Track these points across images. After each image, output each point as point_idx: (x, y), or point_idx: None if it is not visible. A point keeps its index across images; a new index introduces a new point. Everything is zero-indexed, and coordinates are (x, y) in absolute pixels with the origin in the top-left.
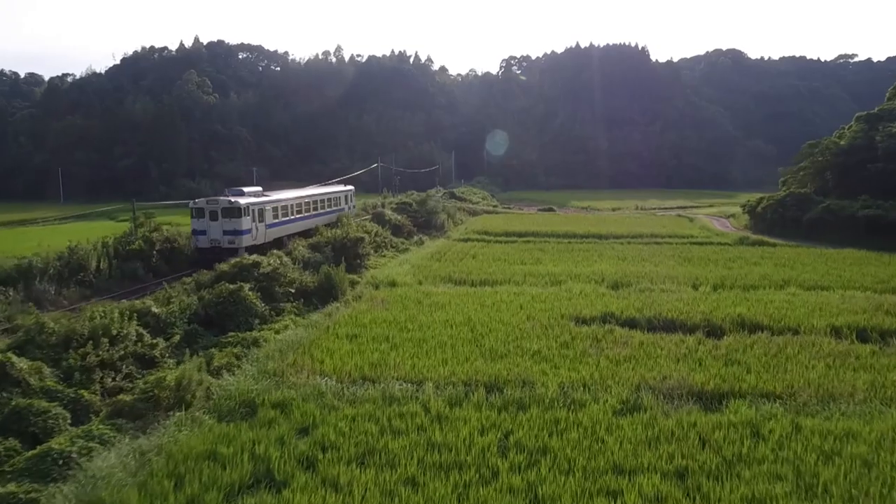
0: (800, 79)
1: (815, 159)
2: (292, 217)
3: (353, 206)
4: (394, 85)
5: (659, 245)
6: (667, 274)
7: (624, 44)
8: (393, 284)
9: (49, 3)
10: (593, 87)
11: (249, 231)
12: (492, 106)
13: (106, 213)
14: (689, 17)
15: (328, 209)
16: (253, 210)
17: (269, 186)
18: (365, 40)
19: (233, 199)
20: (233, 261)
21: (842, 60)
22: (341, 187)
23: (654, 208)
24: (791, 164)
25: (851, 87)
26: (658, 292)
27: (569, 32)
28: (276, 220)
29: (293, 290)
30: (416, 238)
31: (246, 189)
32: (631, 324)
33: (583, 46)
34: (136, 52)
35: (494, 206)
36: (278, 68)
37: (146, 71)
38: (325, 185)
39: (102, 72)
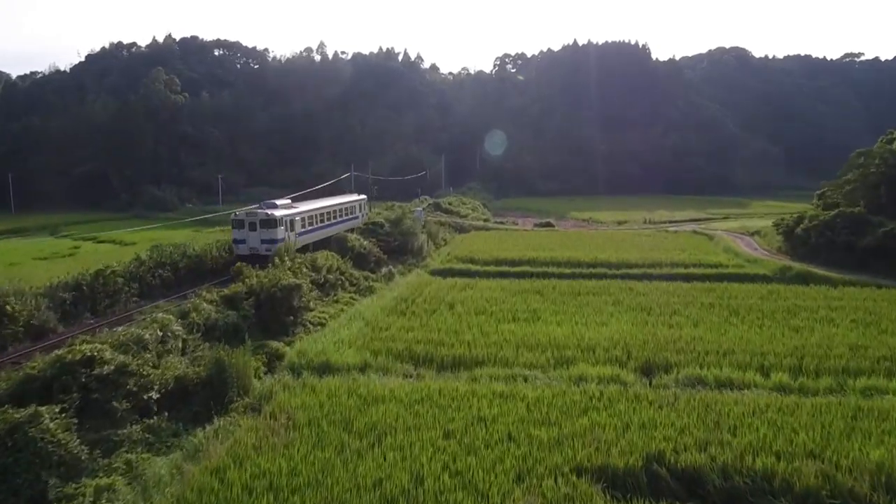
0: (805, 78)
1: (867, 171)
2: (317, 226)
3: (366, 215)
4: (381, 84)
5: (687, 282)
6: (716, 344)
7: (623, 41)
8: (325, 369)
9: (45, 3)
10: (592, 87)
11: (283, 240)
12: (486, 106)
13: (48, 228)
14: (691, 13)
15: (345, 217)
16: (286, 221)
17: (246, 194)
18: (350, 37)
19: (269, 212)
20: (56, 353)
21: (848, 59)
22: (355, 196)
23: (665, 221)
24: (836, 177)
25: (858, 86)
26: (715, 390)
27: (566, 29)
28: (304, 229)
29: (156, 396)
30: (384, 270)
31: (277, 201)
32: (697, 487)
33: (581, 44)
34: (103, 49)
35: (486, 220)
36: (257, 66)
37: (112, 69)
38: (343, 195)
39: (67, 69)
